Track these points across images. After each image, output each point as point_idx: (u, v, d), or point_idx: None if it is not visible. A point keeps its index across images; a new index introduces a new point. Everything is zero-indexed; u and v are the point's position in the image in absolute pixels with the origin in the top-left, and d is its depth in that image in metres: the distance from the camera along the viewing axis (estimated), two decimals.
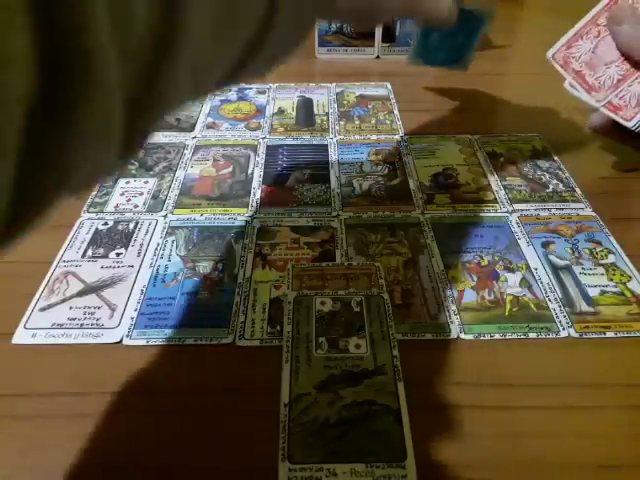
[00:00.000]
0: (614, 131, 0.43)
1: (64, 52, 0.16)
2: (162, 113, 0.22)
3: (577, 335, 0.31)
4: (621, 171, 0.45)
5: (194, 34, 0.21)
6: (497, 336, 0.31)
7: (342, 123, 0.52)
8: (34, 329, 0.31)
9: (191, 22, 0.20)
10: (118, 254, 0.37)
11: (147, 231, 0.39)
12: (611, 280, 0.34)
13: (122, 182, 0.44)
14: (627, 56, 0.39)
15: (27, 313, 0.32)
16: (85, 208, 0.41)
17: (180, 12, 0.19)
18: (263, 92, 0.57)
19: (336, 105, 0.55)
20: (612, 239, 0.37)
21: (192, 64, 0.22)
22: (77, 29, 0.15)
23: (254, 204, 0.41)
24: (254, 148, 0.48)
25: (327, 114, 0.53)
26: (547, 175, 0.44)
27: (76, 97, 0.16)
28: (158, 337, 0.31)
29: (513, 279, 0.35)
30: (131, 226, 0.39)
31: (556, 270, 0.35)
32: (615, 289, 0.34)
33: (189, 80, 0.22)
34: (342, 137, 0.49)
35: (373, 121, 0.52)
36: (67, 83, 0.16)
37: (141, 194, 0.42)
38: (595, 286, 0.34)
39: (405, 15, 0.40)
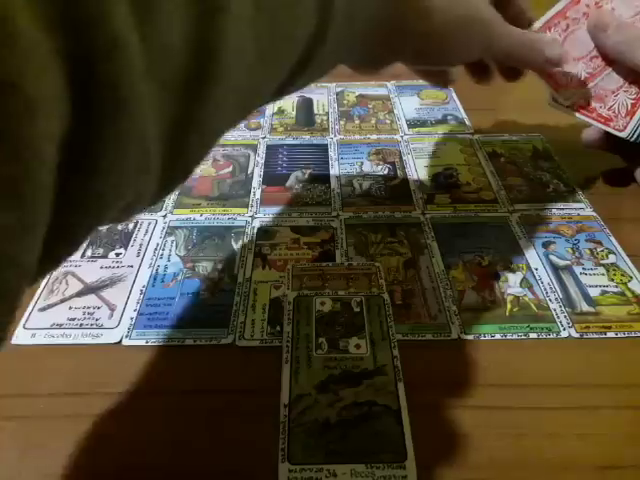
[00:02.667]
0: (608, 144, 0.41)
1: (98, 89, 0.15)
2: (206, 139, 0.22)
3: (578, 335, 0.31)
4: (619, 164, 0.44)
5: (237, 59, 0.20)
6: (498, 336, 0.31)
7: (342, 123, 0.52)
8: (33, 329, 0.31)
9: (232, 47, 0.20)
10: (117, 254, 0.37)
11: (147, 231, 0.39)
12: (612, 280, 0.34)
13: None
14: (617, 61, 0.38)
15: (26, 313, 0.32)
16: None
17: (218, 36, 0.19)
18: None
19: (336, 105, 0.55)
20: (613, 239, 0.37)
21: (236, 89, 0.21)
22: (106, 54, 0.15)
23: (254, 204, 0.41)
24: (254, 148, 0.48)
25: (327, 114, 0.53)
26: (548, 175, 0.44)
27: (110, 133, 0.16)
28: (158, 337, 0.31)
29: (514, 279, 0.35)
30: (130, 226, 0.39)
31: (557, 270, 0.35)
32: (616, 289, 0.34)
33: (235, 101, 0.22)
34: (342, 137, 0.49)
35: (373, 121, 0.52)
36: (100, 120, 0.16)
37: None
38: (596, 286, 0.34)
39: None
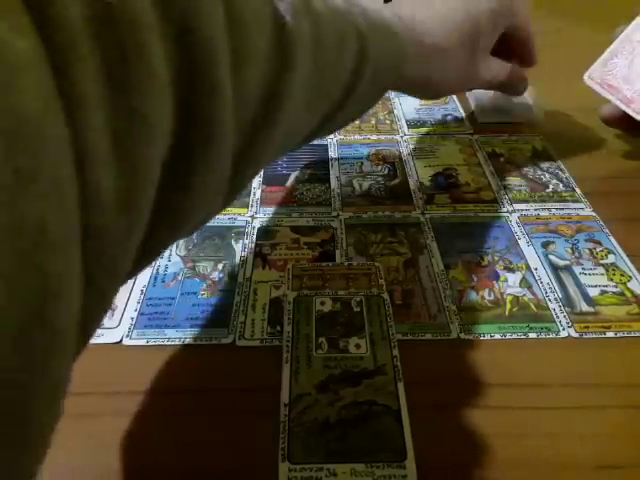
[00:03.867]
0: (624, 123, 0.43)
1: (198, 122, 0.18)
2: (258, 168, 0.26)
3: (577, 335, 0.31)
4: (619, 164, 0.45)
5: (293, 107, 0.24)
6: (497, 336, 0.31)
7: None
8: None
9: (292, 98, 0.23)
10: None
11: None
12: (611, 280, 0.34)
13: None
14: None
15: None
16: None
17: (285, 88, 0.23)
18: None
19: None
20: (612, 239, 0.37)
21: (286, 129, 0.25)
22: (208, 97, 0.18)
23: (254, 204, 0.41)
24: None
25: None
26: (547, 175, 0.44)
27: (200, 155, 0.19)
28: (158, 337, 0.31)
29: (513, 279, 0.35)
30: None
31: (556, 270, 0.35)
32: (615, 289, 0.34)
33: (282, 141, 0.26)
34: (342, 137, 0.49)
35: (373, 121, 0.52)
36: (196, 146, 0.18)
37: None
38: (595, 286, 0.34)
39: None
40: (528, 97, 0.50)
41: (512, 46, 0.43)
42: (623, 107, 0.41)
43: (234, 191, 0.24)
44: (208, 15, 0.17)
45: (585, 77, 0.44)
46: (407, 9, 0.36)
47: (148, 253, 0.19)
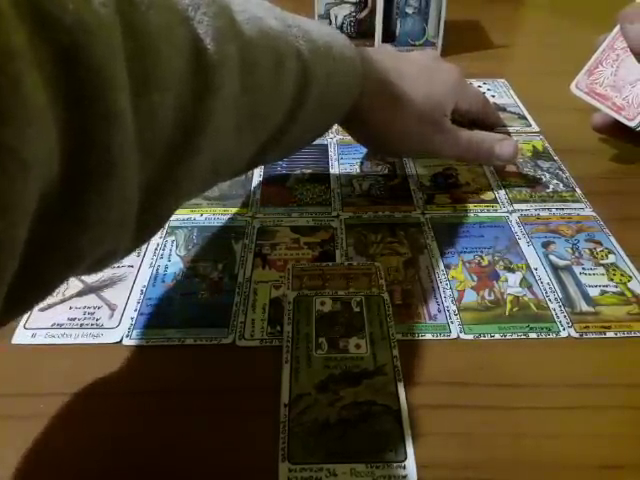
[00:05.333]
0: (616, 130, 0.43)
1: (92, 152, 0.17)
2: (179, 200, 0.24)
3: (577, 335, 0.31)
4: (619, 164, 0.45)
5: (218, 134, 0.23)
6: (497, 336, 0.31)
7: None
8: (34, 329, 0.31)
9: (216, 123, 0.22)
10: None
11: None
12: (611, 280, 0.34)
13: None
14: (636, 53, 0.40)
15: (27, 313, 0.32)
16: None
17: (206, 114, 0.21)
18: None
19: None
20: (612, 239, 0.37)
21: (212, 159, 0.23)
22: (103, 125, 0.17)
23: (254, 204, 0.41)
24: None
25: None
26: (547, 175, 0.44)
27: (95, 187, 0.17)
28: (158, 337, 0.31)
29: (513, 279, 0.35)
30: None
31: (556, 270, 0.35)
32: (615, 289, 0.34)
33: (208, 172, 0.24)
34: (341, 137, 0.49)
35: None
36: (91, 178, 0.17)
37: None
38: (595, 286, 0.34)
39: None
40: None
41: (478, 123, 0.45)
42: (614, 115, 0.41)
43: (146, 227, 0.22)
44: (101, 38, 0.16)
45: (572, 87, 0.44)
46: (375, 52, 0.37)
47: (39, 288, 0.18)
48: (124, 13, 0.17)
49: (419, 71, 0.38)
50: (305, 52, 0.28)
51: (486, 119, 0.46)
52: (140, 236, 0.22)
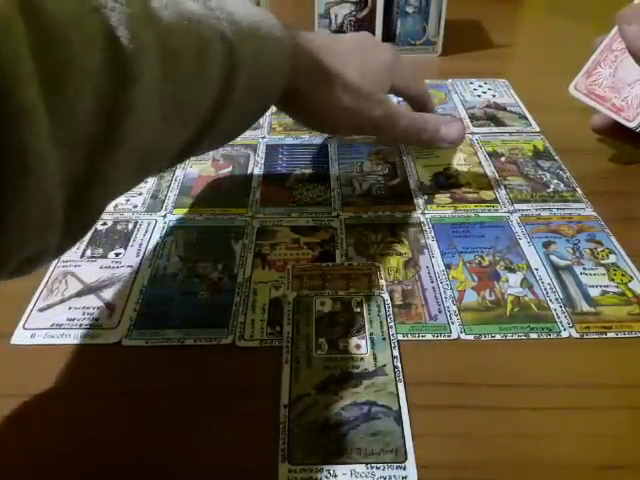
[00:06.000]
0: (616, 131, 0.43)
1: (5, 154, 0.16)
2: (109, 194, 0.23)
3: (578, 335, 0.31)
4: (620, 163, 0.45)
5: (142, 124, 0.22)
6: (498, 336, 0.31)
7: None
8: (33, 329, 0.31)
9: (138, 113, 0.21)
10: (117, 254, 0.37)
11: (146, 231, 0.39)
12: (612, 280, 0.34)
13: None
14: (633, 54, 0.40)
15: (26, 313, 0.32)
16: None
17: (127, 104, 0.21)
18: None
19: None
20: (613, 239, 0.37)
21: (140, 149, 0.23)
22: (11, 123, 0.16)
23: (254, 204, 0.41)
24: (254, 148, 0.48)
25: None
26: (548, 175, 0.44)
27: (10, 186, 0.17)
28: (157, 337, 0.31)
29: (514, 279, 0.35)
30: (130, 226, 0.39)
31: (557, 270, 0.35)
32: (616, 289, 0.34)
33: (137, 163, 0.23)
34: (342, 137, 0.49)
35: None
36: (7, 180, 0.16)
37: (140, 194, 0.42)
38: (596, 286, 0.34)
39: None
40: None
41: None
42: (614, 116, 0.41)
43: (76, 223, 0.21)
44: (1, 32, 0.15)
45: (570, 88, 0.44)
46: (307, 33, 0.36)
47: None
48: (25, 3, 0.17)
49: (352, 49, 0.38)
50: (229, 34, 0.27)
51: (421, 100, 0.44)
52: (71, 232, 0.22)
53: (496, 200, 0.41)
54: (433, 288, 0.34)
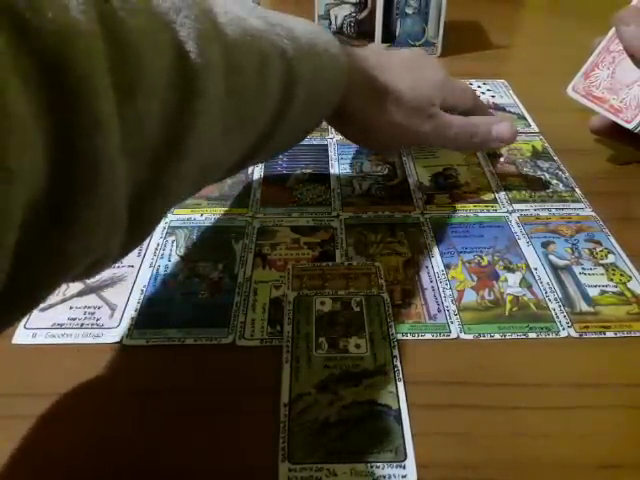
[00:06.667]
0: (614, 132, 0.43)
1: (79, 164, 0.17)
2: (168, 204, 0.24)
3: (577, 335, 0.31)
4: (618, 164, 0.45)
5: (204, 137, 0.23)
6: (497, 336, 0.31)
7: None
8: (34, 329, 0.31)
9: (202, 127, 0.22)
10: None
11: None
12: (611, 280, 0.34)
13: None
14: (631, 55, 0.40)
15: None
16: None
17: (192, 118, 0.21)
18: None
19: None
20: (612, 239, 0.37)
21: (200, 162, 0.23)
22: (88, 134, 0.17)
23: (254, 204, 0.41)
24: None
25: None
26: (547, 175, 0.44)
27: (82, 195, 0.17)
28: (158, 337, 0.31)
29: (513, 279, 0.35)
30: None
31: (556, 270, 0.35)
32: (615, 289, 0.34)
33: (196, 175, 0.24)
34: (341, 137, 0.49)
35: None
36: (78, 189, 0.17)
37: None
38: (595, 286, 0.34)
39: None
40: None
41: None
42: (612, 117, 0.41)
43: (136, 233, 0.22)
44: (82, 46, 0.16)
45: (568, 90, 0.44)
46: (361, 50, 0.37)
47: (28, 299, 0.18)
48: (105, 19, 0.17)
49: (404, 66, 0.38)
50: (289, 50, 0.28)
51: (474, 113, 0.44)
52: (130, 242, 0.22)
53: (495, 200, 0.42)
54: (432, 288, 0.34)
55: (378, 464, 0.25)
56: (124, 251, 0.23)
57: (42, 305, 0.33)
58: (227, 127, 0.24)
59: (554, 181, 0.44)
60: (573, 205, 0.41)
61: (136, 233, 0.22)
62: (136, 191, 0.20)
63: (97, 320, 0.32)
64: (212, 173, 0.27)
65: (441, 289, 0.34)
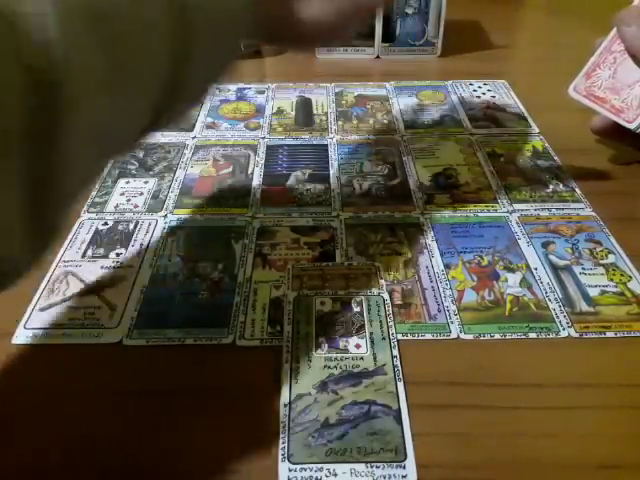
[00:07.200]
0: (615, 133, 0.43)
1: None
2: (69, 187, 0.21)
3: (577, 335, 0.31)
4: (618, 164, 0.45)
5: (85, 111, 0.20)
6: (497, 336, 0.31)
7: (340, 123, 0.52)
8: (34, 329, 0.31)
9: (78, 102, 0.19)
10: (118, 254, 0.37)
11: (147, 231, 0.39)
12: (611, 280, 0.34)
13: (122, 182, 0.44)
14: (632, 55, 0.40)
15: (27, 313, 0.32)
16: (85, 208, 0.41)
17: (61, 99, 0.18)
18: (262, 92, 0.57)
19: (334, 105, 0.55)
20: (612, 239, 0.37)
21: (90, 136, 0.21)
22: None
23: (254, 204, 0.41)
24: (254, 148, 0.48)
25: (326, 114, 0.53)
26: (547, 175, 0.44)
27: None
28: (158, 337, 0.31)
29: (513, 279, 0.35)
30: (131, 226, 0.39)
31: (556, 270, 0.35)
32: (615, 289, 0.34)
33: (90, 151, 0.21)
34: (340, 137, 0.49)
35: (371, 121, 0.52)
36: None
37: (141, 194, 0.42)
38: (595, 286, 0.34)
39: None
40: None
41: None
42: (613, 117, 0.41)
43: (41, 227, 0.20)
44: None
45: (569, 90, 0.44)
46: None
47: None
48: None
49: None
50: None
51: None
52: (36, 240, 0.20)
53: (495, 200, 0.42)
54: (432, 288, 0.34)
55: (378, 464, 0.25)
56: (33, 256, 0.21)
57: (42, 305, 0.33)
58: (109, 87, 0.20)
59: (554, 181, 0.44)
60: (573, 205, 0.41)
61: (38, 233, 0.20)
62: (30, 180, 0.18)
63: (97, 320, 0.32)
64: (111, 145, 0.24)
65: (441, 289, 0.34)
